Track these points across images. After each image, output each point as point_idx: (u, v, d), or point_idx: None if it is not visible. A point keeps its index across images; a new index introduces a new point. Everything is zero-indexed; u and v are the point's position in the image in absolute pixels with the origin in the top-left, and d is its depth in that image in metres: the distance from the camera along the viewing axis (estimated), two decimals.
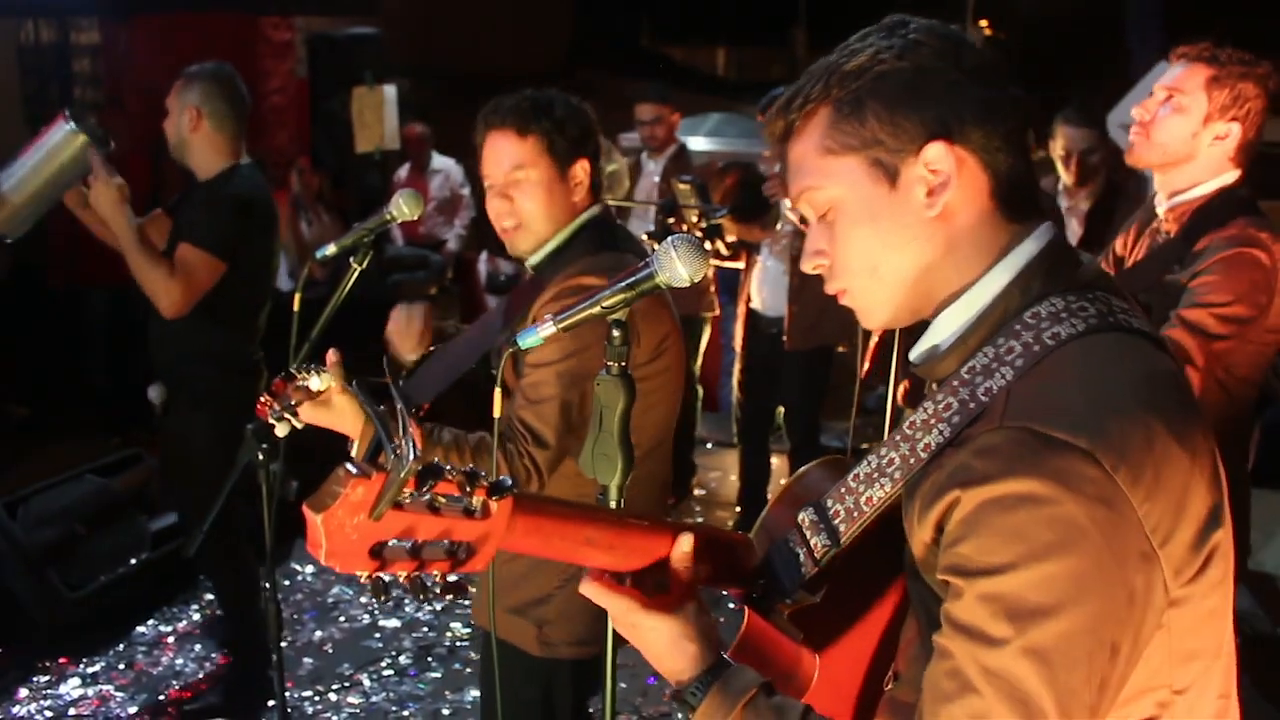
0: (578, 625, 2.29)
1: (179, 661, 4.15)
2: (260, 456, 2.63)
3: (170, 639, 4.29)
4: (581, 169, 2.24)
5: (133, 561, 4.40)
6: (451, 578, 1.06)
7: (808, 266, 1.26)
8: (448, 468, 1.01)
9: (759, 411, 5.29)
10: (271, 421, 2.18)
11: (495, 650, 1.94)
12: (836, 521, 1.20)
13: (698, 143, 11.96)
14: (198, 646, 4.24)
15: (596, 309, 1.47)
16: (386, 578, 1.03)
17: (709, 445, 6.39)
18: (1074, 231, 4.17)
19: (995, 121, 1.15)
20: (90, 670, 4.06)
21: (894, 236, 1.17)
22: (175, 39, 7.58)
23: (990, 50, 1.19)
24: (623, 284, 1.46)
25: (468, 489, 1.02)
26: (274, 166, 7.99)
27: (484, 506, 1.04)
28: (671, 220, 4.44)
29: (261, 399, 2.17)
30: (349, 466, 0.98)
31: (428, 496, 1.00)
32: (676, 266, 1.44)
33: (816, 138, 1.18)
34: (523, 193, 2.24)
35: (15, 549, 4.12)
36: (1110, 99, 4.80)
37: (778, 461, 5.55)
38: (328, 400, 2.14)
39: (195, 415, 3.56)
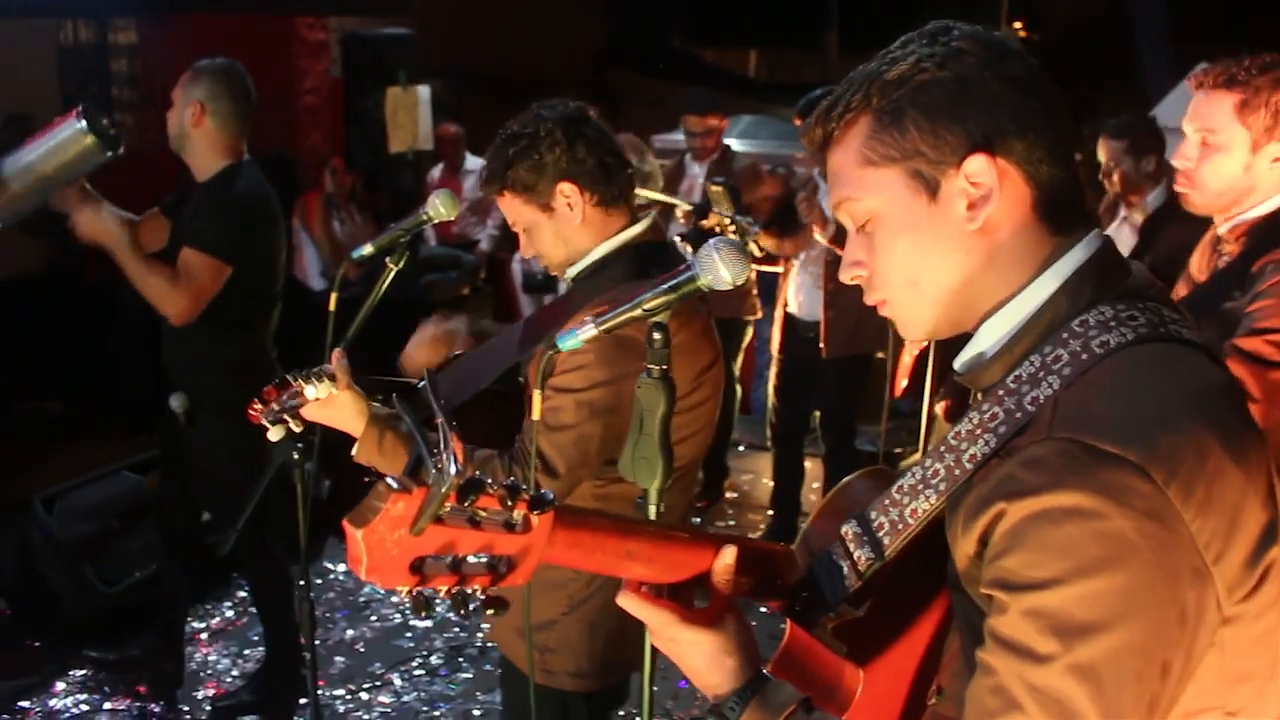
0: (580, 657, 2.22)
1: (212, 658, 4.17)
2: (295, 456, 2.64)
3: (204, 635, 4.31)
4: (562, 194, 2.16)
5: None
6: (492, 591, 1.05)
7: (846, 277, 1.24)
8: (489, 481, 1.01)
9: (794, 415, 5.27)
10: (265, 424, 2.16)
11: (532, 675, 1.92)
12: (880, 534, 1.18)
13: (729, 144, 11.96)
14: (231, 644, 4.26)
15: (638, 311, 1.47)
16: (428, 592, 1.02)
17: (741, 448, 6.37)
18: (1126, 242, 4.07)
19: (1038, 132, 1.12)
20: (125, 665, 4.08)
21: (934, 249, 1.15)
22: (211, 39, 7.62)
23: (1031, 58, 1.16)
24: (664, 286, 1.45)
25: (509, 503, 1.02)
26: (307, 166, 8.05)
27: (525, 520, 1.03)
28: (704, 221, 4.42)
29: (253, 406, 2.14)
30: (390, 481, 0.97)
31: (469, 511, 1.00)
32: (719, 269, 1.43)
33: (856, 148, 1.17)
34: (527, 241, 2.26)
35: (52, 543, 4.16)
36: (1145, 100, 4.75)
37: (811, 465, 5.52)
38: (330, 400, 2.11)
39: (219, 422, 3.49)
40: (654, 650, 1.43)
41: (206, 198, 3.43)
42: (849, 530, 1.21)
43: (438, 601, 1.03)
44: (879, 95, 1.14)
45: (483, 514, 1.01)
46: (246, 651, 4.20)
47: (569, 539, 1.09)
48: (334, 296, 2.57)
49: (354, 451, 2.18)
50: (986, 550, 1.04)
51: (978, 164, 1.11)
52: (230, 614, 4.49)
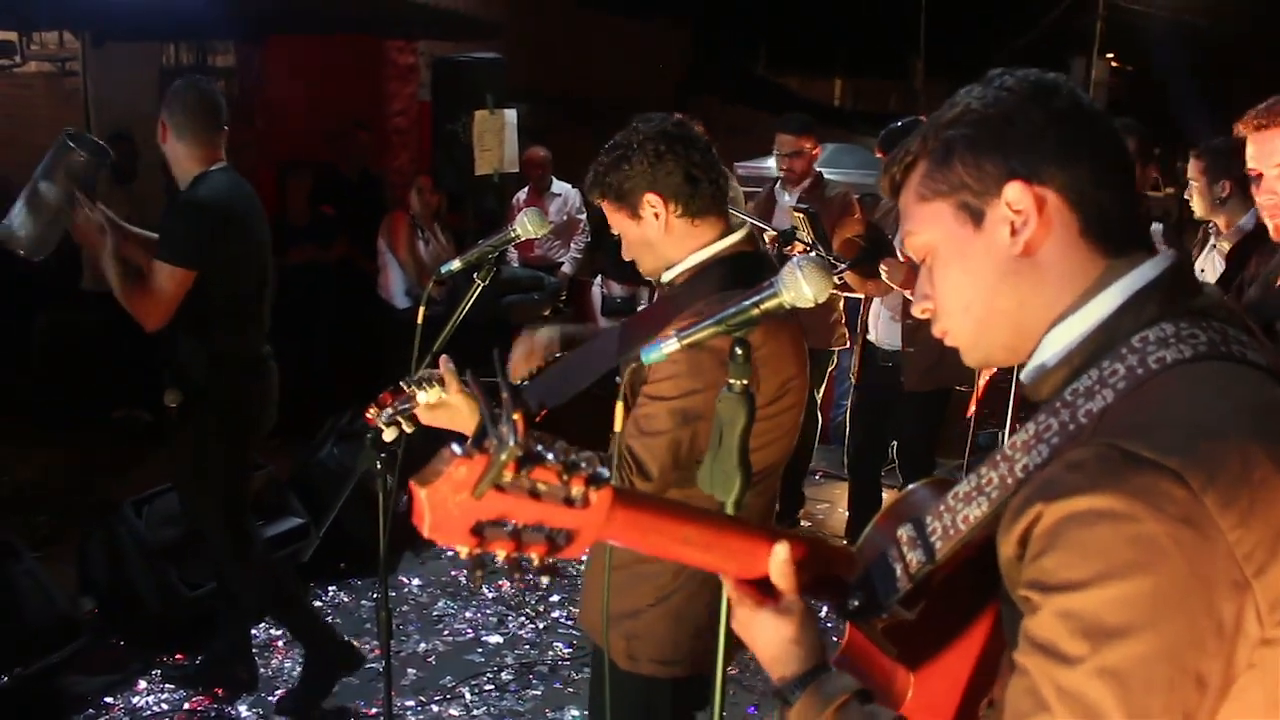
0: (665, 645, 2.29)
1: (287, 664, 4.24)
2: (378, 465, 2.70)
3: (280, 642, 4.39)
4: (648, 204, 2.24)
5: None
6: (548, 561, 1.08)
7: (916, 311, 1.30)
8: (549, 455, 1.04)
9: (871, 445, 5.22)
10: (381, 426, 2.26)
11: (607, 664, 1.94)
12: (933, 538, 1.20)
13: (822, 172, 11.93)
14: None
15: (720, 326, 1.48)
16: (486, 556, 1.06)
17: (818, 476, 6.33)
18: (1217, 269, 3.97)
19: (1083, 160, 1.17)
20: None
21: (983, 275, 1.20)
22: (304, 61, 7.87)
23: (1080, 94, 1.21)
24: (747, 302, 1.47)
25: (566, 478, 1.05)
26: (394, 186, 8.22)
27: (584, 496, 1.06)
28: (789, 248, 4.42)
29: (369, 410, 2.24)
30: (454, 447, 1.02)
31: (528, 482, 1.03)
32: (801, 286, 1.44)
33: (914, 187, 1.24)
34: (626, 251, 2.35)
35: (140, 546, 4.28)
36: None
37: (888, 497, 5.46)
38: (442, 404, 2.22)
39: (204, 416, 3.65)
40: (728, 650, 1.48)
41: (170, 207, 3.63)
42: (904, 533, 1.23)
43: (493, 565, 1.07)
44: (933, 138, 1.22)
45: (543, 486, 1.04)
46: None
47: (626, 518, 1.12)
48: (422, 311, 2.63)
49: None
50: (1025, 552, 1.05)
51: (1015, 191, 1.16)
52: None
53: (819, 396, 5.61)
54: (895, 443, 5.31)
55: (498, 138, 6.12)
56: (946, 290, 1.23)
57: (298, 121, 7.60)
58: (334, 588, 4.86)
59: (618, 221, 2.31)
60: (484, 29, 8.66)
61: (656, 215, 2.25)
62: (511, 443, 1.00)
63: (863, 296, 5.10)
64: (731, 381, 1.48)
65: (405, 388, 2.23)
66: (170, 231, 3.52)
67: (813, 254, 4.43)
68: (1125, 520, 0.98)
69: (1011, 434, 3.40)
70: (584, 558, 2.24)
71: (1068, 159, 1.16)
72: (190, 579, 4.32)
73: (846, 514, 5.41)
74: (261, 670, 4.17)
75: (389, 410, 2.26)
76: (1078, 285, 1.17)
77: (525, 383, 2.39)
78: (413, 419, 2.28)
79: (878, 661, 1.31)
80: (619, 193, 2.26)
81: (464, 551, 1.04)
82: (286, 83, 7.78)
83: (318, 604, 4.67)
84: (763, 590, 1.28)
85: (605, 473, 1.07)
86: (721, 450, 1.49)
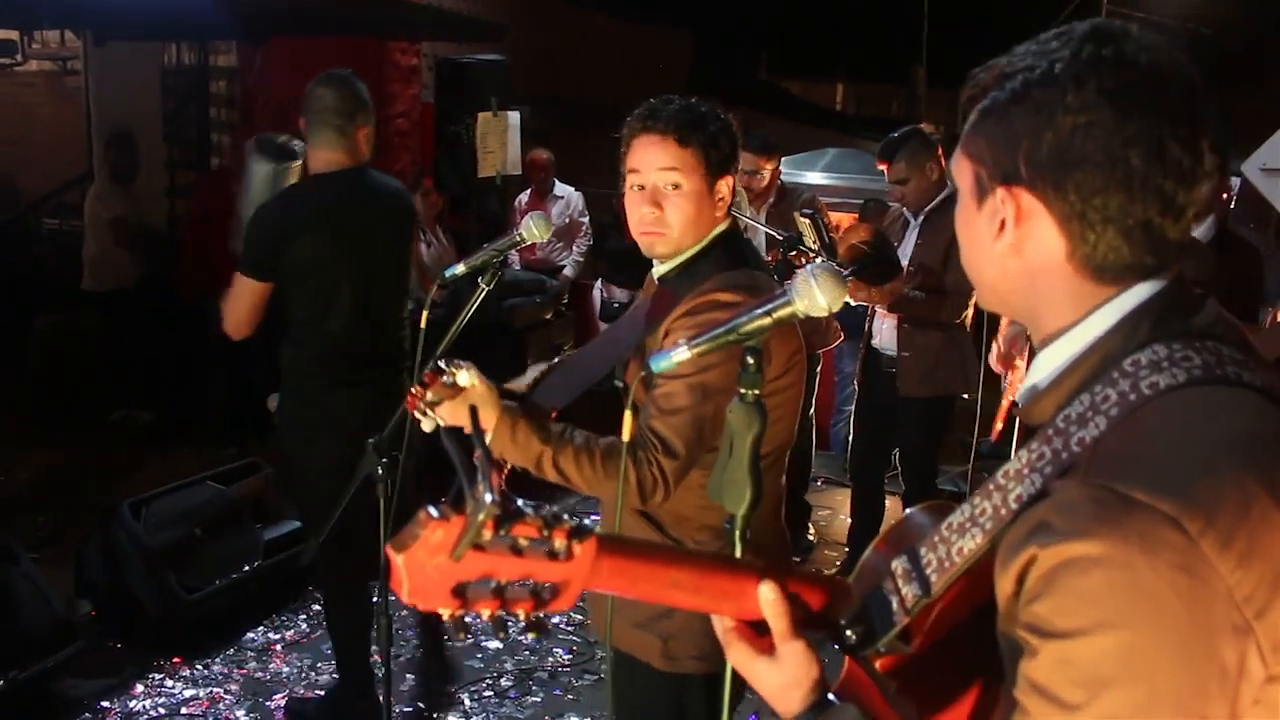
0: (703, 639, 2.24)
1: (285, 669, 4.21)
2: (380, 470, 2.67)
3: (279, 646, 4.36)
4: (726, 185, 2.24)
5: (246, 568, 4.50)
6: (534, 617, 1.06)
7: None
8: (527, 510, 1.02)
9: (874, 451, 5.18)
10: (417, 416, 2.18)
11: (612, 667, 1.92)
12: (928, 571, 1.16)
13: (814, 177, 11.92)
14: (305, 655, 4.31)
15: (732, 335, 1.46)
16: (469, 616, 1.04)
17: (819, 483, 6.30)
18: None
19: (1088, 190, 1.06)
20: (202, 671, 4.16)
21: (973, 248, 1.19)
22: (306, 62, 7.82)
23: (1172, 110, 1.05)
24: (760, 311, 1.44)
25: (547, 531, 1.02)
26: None
27: (567, 549, 1.04)
28: (794, 254, 4.39)
29: (413, 390, 2.17)
30: (430, 509, 0.99)
31: (509, 538, 1.01)
32: (815, 295, 1.41)
33: (970, 124, 1.17)
34: (672, 204, 2.22)
35: (138, 548, 4.25)
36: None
37: (892, 503, 5.42)
38: (468, 393, 2.15)
39: (296, 425, 3.57)
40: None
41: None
42: (899, 566, 1.19)
43: (480, 624, 1.04)
44: (997, 86, 1.11)
45: (524, 542, 1.02)
46: (320, 664, 4.24)
47: (613, 567, 1.10)
48: (425, 315, 2.60)
49: (489, 442, 2.19)
50: (1021, 590, 1.03)
51: (1001, 195, 1.11)
52: (305, 626, 4.53)
53: (812, 400, 5.56)
54: (898, 449, 5.27)
55: (501, 140, 6.10)
56: (962, 242, 1.21)
57: (301, 122, 7.57)
58: None
59: (691, 179, 2.20)
60: (487, 31, 8.63)
61: (722, 199, 2.25)
62: (488, 501, 0.97)
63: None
64: (743, 391, 1.45)
65: (445, 368, 2.14)
66: (245, 240, 3.50)
67: (819, 260, 4.40)
68: (1120, 568, 0.95)
69: (1018, 443, 3.38)
70: None
71: (1073, 182, 1.06)
72: (189, 582, 4.29)
73: (849, 520, 5.37)
74: (259, 675, 4.14)
75: (430, 396, 2.15)
76: (1071, 311, 1.12)
77: (533, 385, 2.36)
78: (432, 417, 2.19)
79: (876, 698, 1.27)
80: (724, 157, 2.22)
81: (446, 614, 1.02)
82: (289, 83, 7.73)
83: (316, 607, 4.63)
84: (758, 629, 1.25)
85: (590, 523, 1.06)
86: (732, 460, 1.46)
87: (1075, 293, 1.11)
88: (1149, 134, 1.04)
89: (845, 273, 4.38)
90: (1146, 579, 0.94)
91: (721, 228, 2.28)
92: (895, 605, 1.19)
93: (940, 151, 4.69)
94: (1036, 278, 1.13)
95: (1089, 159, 1.05)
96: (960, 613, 1.21)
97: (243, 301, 3.43)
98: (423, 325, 2.61)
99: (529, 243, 2.57)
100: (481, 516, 0.97)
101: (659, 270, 2.32)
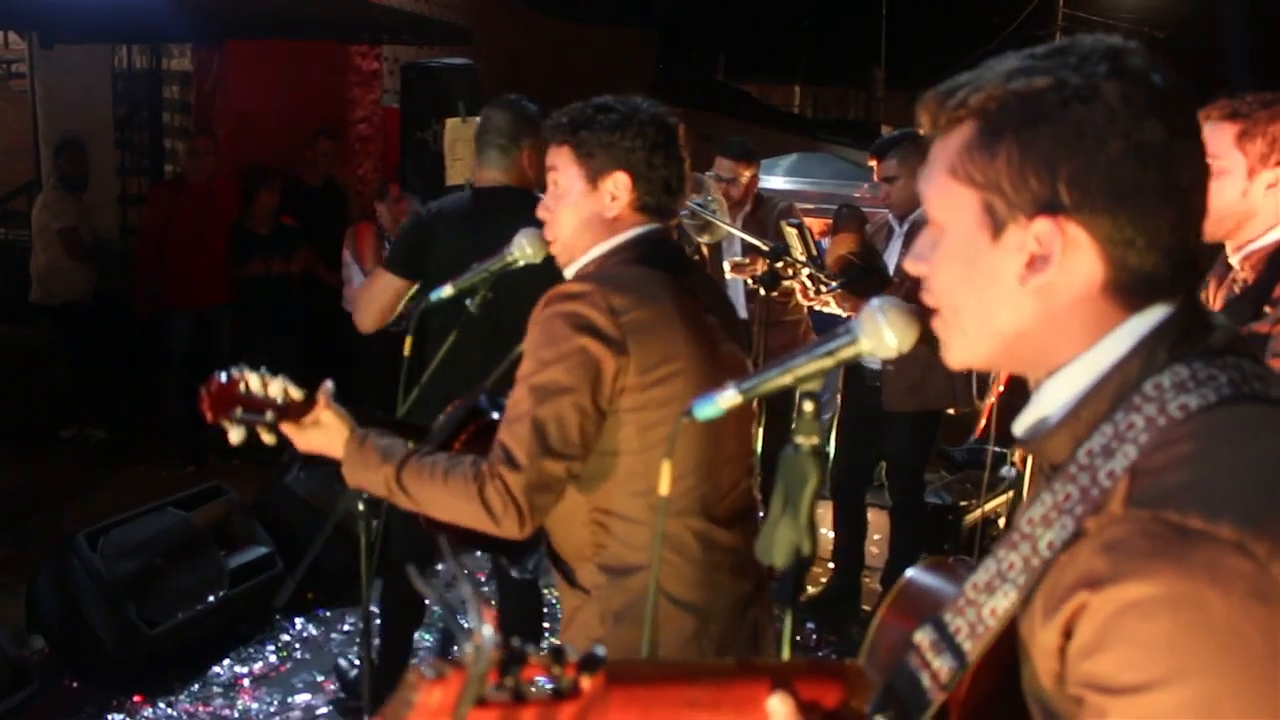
0: None
1: (254, 705, 4.00)
2: (360, 508, 2.50)
3: (246, 681, 4.15)
4: (614, 182, 2.06)
5: (211, 599, 4.28)
6: None
7: (909, 265, 1.15)
8: (530, 650, 0.92)
9: (857, 465, 5.06)
10: (225, 426, 2.05)
11: None
12: (959, 639, 1.06)
13: (776, 181, 11.81)
14: (275, 691, 4.10)
15: (787, 378, 1.31)
16: None
17: None
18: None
19: (1140, 214, 0.99)
20: (165, 710, 3.93)
21: (982, 291, 1.06)
22: (265, 66, 7.61)
23: (1183, 118, 1.01)
24: (820, 351, 1.30)
25: (555, 670, 0.93)
26: (358, 195, 7.97)
27: (574, 685, 0.94)
28: (780, 265, 4.25)
29: (205, 392, 2.05)
30: (423, 670, 0.88)
31: (513, 684, 0.90)
32: (884, 334, 1.26)
33: (950, 151, 1.07)
34: (551, 199, 2.13)
35: (96, 581, 4.02)
36: None
37: (874, 517, 5.30)
38: (316, 420, 2.06)
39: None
40: None
41: None
42: (924, 638, 1.09)
43: None
44: (995, 105, 1.03)
45: (530, 687, 0.92)
46: (290, 699, 4.03)
47: (625, 697, 1.02)
48: (409, 340, 2.44)
49: (344, 474, 2.08)
50: (1070, 645, 0.94)
51: (1044, 226, 1.01)
52: (273, 659, 4.32)
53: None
54: (883, 463, 5.15)
55: (469, 147, 5.90)
56: (941, 280, 1.10)
57: (258, 128, 7.34)
58: (302, 620, 4.61)
59: (566, 176, 2.09)
60: (451, 33, 8.44)
61: (614, 197, 2.06)
62: (490, 646, 0.86)
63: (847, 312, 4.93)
64: (799, 440, 1.30)
65: (248, 379, 2.02)
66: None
67: (805, 271, 4.26)
68: (1191, 607, 0.87)
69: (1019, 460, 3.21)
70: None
71: (1125, 206, 0.99)
72: (150, 615, 4.07)
73: (831, 535, 5.24)
74: (226, 712, 3.93)
75: (240, 410, 2.03)
76: (1086, 338, 1.04)
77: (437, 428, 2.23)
78: (275, 431, 2.06)
79: None
80: (589, 151, 2.06)
81: None
82: (246, 87, 7.52)
83: (285, 637, 4.43)
84: None
85: (599, 653, 0.96)
86: (785, 518, 1.31)
87: (1093, 319, 1.03)
88: (1192, 151, 1.02)
89: (833, 284, 4.29)
90: (1220, 615, 0.87)
91: (636, 231, 2.09)
92: (926, 682, 1.08)
93: None
94: (1058, 314, 1.04)
95: (1145, 181, 0.99)
96: (991, 678, 1.10)
97: (381, 298, 3.45)
98: (405, 354, 2.45)
99: (521, 263, 2.40)
100: (483, 666, 0.87)
101: (568, 272, 2.15)
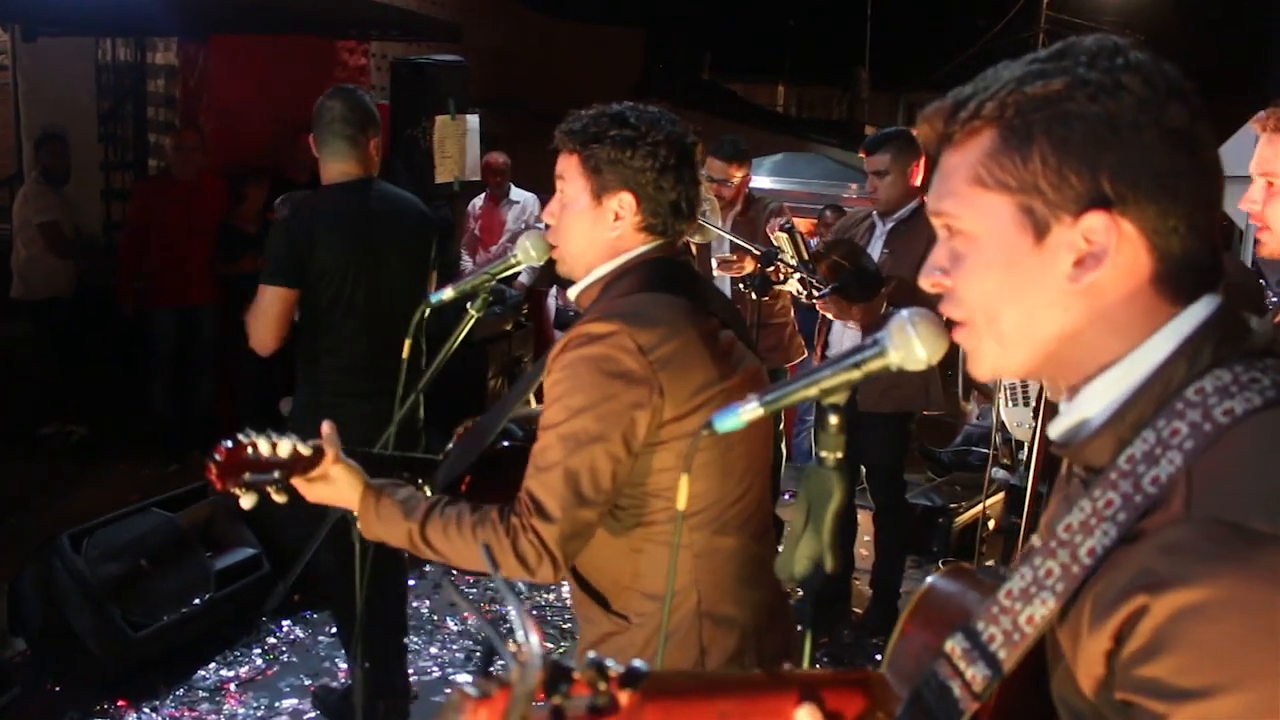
0: None
1: (240, 710, 3.95)
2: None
3: (233, 685, 4.10)
4: (619, 202, 2.00)
5: (196, 601, 4.22)
6: None
7: (925, 283, 1.12)
8: (574, 668, 0.91)
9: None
10: (236, 492, 1.99)
11: None
12: (993, 647, 1.04)
13: (761, 181, 11.80)
14: (262, 694, 4.05)
15: (813, 390, 1.27)
16: None
17: (787, 496, 6.14)
18: None
19: (1179, 198, 1.00)
20: (150, 715, 3.88)
21: (1026, 295, 1.04)
22: (250, 61, 7.53)
23: (1197, 102, 1.02)
24: (847, 363, 1.26)
25: (599, 685, 0.92)
26: None
27: (612, 700, 0.94)
28: (770, 269, 4.22)
29: (212, 462, 1.97)
30: (467, 688, 0.87)
31: (558, 699, 0.90)
32: (914, 346, 1.23)
33: (971, 160, 1.05)
34: (558, 208, 2.08)
35: (79, 584, 3.96)
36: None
37: (863, 518, 5.26)
38: (325, 474, 2.01)
39: (307, 432, 3.43)
40: None
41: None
42: (956, 647, 1.07)
43: None
44: (1014, 110, 1.02)
45: (568, 703, 0.91)
46: (278, 704, 3.99)
47: (657, 711, 1.00)
48: (408, 344, 2.40)
49: (359, 528, 2.03)
50: (1122, 649, 0.92)
51: (1097, 221, 1.00)
52: (260, 662, 4.27)
53: (781, 416, 5.40)
54: (864, 465, 5.13)
55: (459, 144, 5.87)
56: (975, 290, 1.07)
57: (243, 123, 7.26)
58: (289, 622, 4.55)
59: (573, 186, 2.03)
60: (440, 30, 8.38)
61: (617, 216, 2.01)
62: (537, 665, 0.86)
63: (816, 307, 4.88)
64: (824, 455, 1.26)
65: (256, 443, 1.95)
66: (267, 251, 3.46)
67: (796, 275, 4.24)
68: (1255, 610, 0.86)
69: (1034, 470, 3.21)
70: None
71: (1165, 192, 0.99)
72: (134, 618, 4.01)
73: None
74: (212, 717, 3.88)
75: (249, 475, 1.97)
76: (1135, 334, 1.02)
77: (444, 459, 2.19)
78: (287, 489, 2.01)
79: None
80: (597, 166, 2.00)
81: None
82: (231, 83, 7.43)
83: (272, 640, 4.38)
84: None
85: (641, 668, 0.95)
86: (807, 534, 1.27)
87: (1142, 314, 1.02)
88: (1208, 132, 1.02)
89: (825, 290, 4.25)
90: None
91: (643, 250, 2.04)
92: (958, 691, 1.06)
93: (925, 159, 4.56)
94: (1107, 312, 1.02)
95: (1178, 165, 0.99)
96: (1015, 687, 1.08)
97: (270, 312, 3.32)
98: (404, 356, 2.41)
99: (525, 265, 2.37)
100: (531, 683, 0.86)
101: (572, 291, 2.12)
